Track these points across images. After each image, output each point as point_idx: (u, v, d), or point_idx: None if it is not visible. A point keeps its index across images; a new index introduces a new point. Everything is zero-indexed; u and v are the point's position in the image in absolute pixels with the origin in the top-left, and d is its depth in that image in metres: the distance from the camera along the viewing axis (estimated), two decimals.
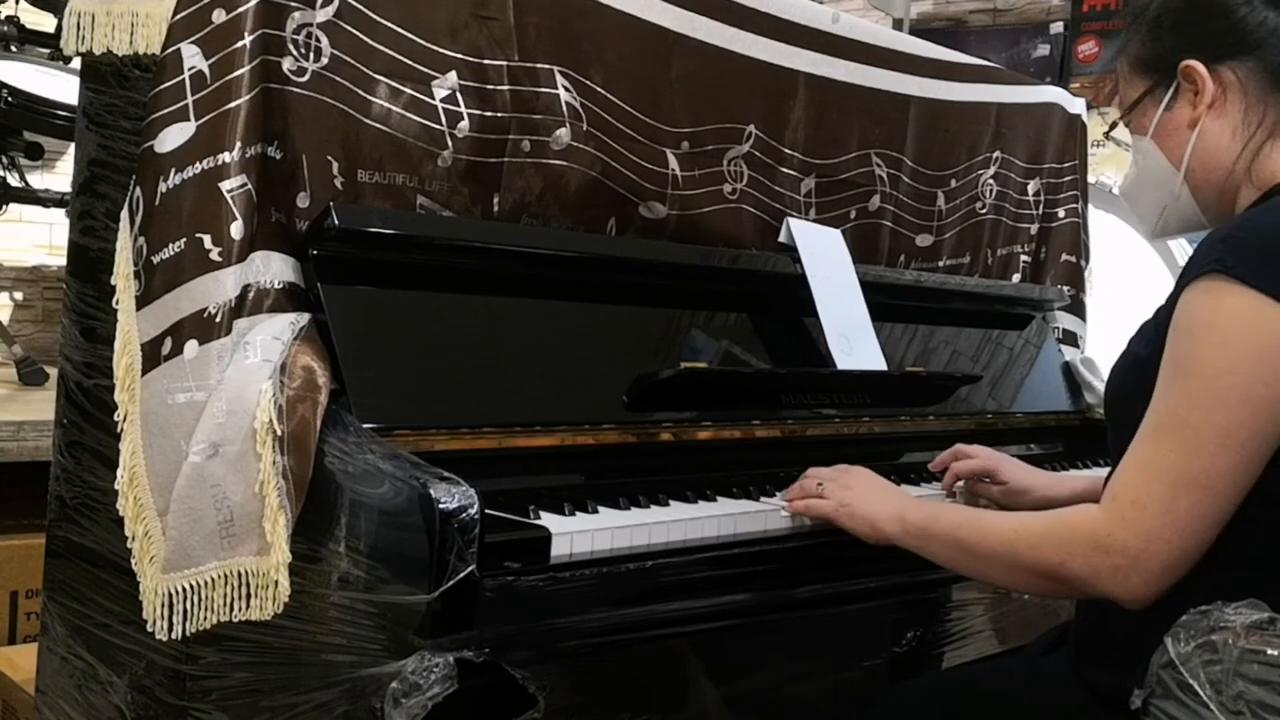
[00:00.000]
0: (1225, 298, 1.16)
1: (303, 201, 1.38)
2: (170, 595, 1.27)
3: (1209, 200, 1.36)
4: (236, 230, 1.30)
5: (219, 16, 1.31)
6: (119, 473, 1.31)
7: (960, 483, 1.71)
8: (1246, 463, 1.15)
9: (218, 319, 1.28)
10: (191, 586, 1.27)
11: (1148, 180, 1.41)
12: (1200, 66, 1.32)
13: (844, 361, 1.77)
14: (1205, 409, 1.15)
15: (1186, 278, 1.21)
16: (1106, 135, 1.51)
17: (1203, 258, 1.20)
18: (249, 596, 1.25)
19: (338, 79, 1.40)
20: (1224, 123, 1.32)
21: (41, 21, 3.34)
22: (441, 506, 1.14)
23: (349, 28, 1.40)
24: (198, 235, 1.29)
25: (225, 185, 1.30)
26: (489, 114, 1.53)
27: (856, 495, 1.43)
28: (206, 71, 1.31)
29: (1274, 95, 1.31)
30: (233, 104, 1.31)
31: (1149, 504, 1.16)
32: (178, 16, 1.32)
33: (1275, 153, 1.31)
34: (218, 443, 1.25)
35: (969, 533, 1.30)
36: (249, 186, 1.31)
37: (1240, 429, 1.14)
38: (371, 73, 1.43)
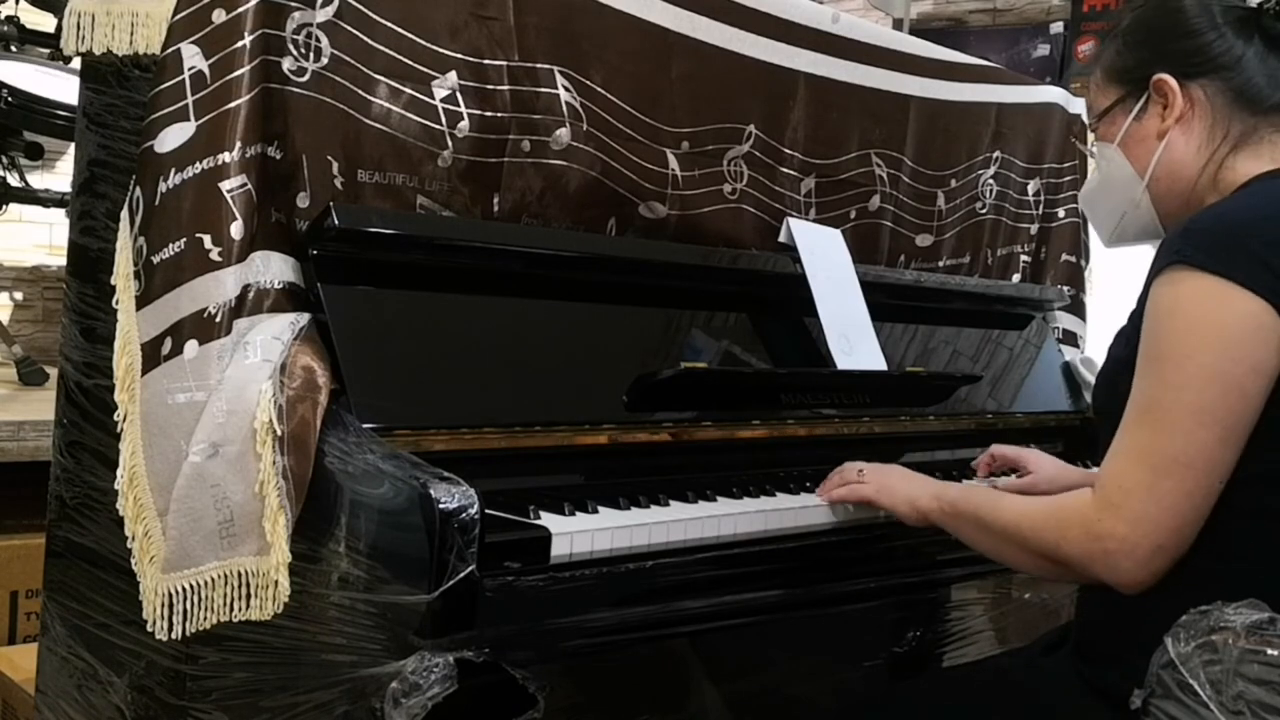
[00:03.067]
0: (1186, 284, 1.19)
1: (303, 201, 1.38)
2: (170, 595, 1.27)
3: (1171, 209, 1.40)
4: (236, 230, 1.30)
5: (219, 16, 1.31)
6: (119, 473, 1.32)
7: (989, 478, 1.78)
8: (1223, 440, 1.17)
9: (218, 319, 1.28)
10: (191, 586, 1.27)
11: (1110, 187, 1.45)
12: (1172, 81, 1.36)
13: (844, 361, 1.78)
14: (1176, 390, 1.18)
15: (1151, 274, 1.25)
16: (1080, 142, 1.54)
17: (1164, 253, 1.24)
18: (249, 596, 1.25)
19: (338, 79, 1.40)
20: (1190, 136, 1.36)
21: (41, 21, 3.34)
22: (441, 506, 1.14)
23: (349, 28, 1.40)
24: (198, 235, 1.29)
25: (225, 185, 1.30)
26: (489, 114, 1.53)
27: (895, 480, 1.50)
28: (206, 71, 1.31)
29: (1238, 112, 1.34)
30: (233, 104, 1.31)
31: (1133, 488, 1.19)
32: (178, 16, 1.32)
33: (1238, 163, 1.34)
34: (218, 443, 1.25)
35: (987, 512, 1.34)
36: (249, 186, 1.31)
37: (1213, 406, 1.17)
38: (371, 73, 1.43)
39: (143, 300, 1.31)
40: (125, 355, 1.33)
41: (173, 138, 1.31)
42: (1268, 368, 1.17)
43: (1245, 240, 1.19)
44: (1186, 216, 1.35)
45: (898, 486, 1.48)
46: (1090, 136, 1.48)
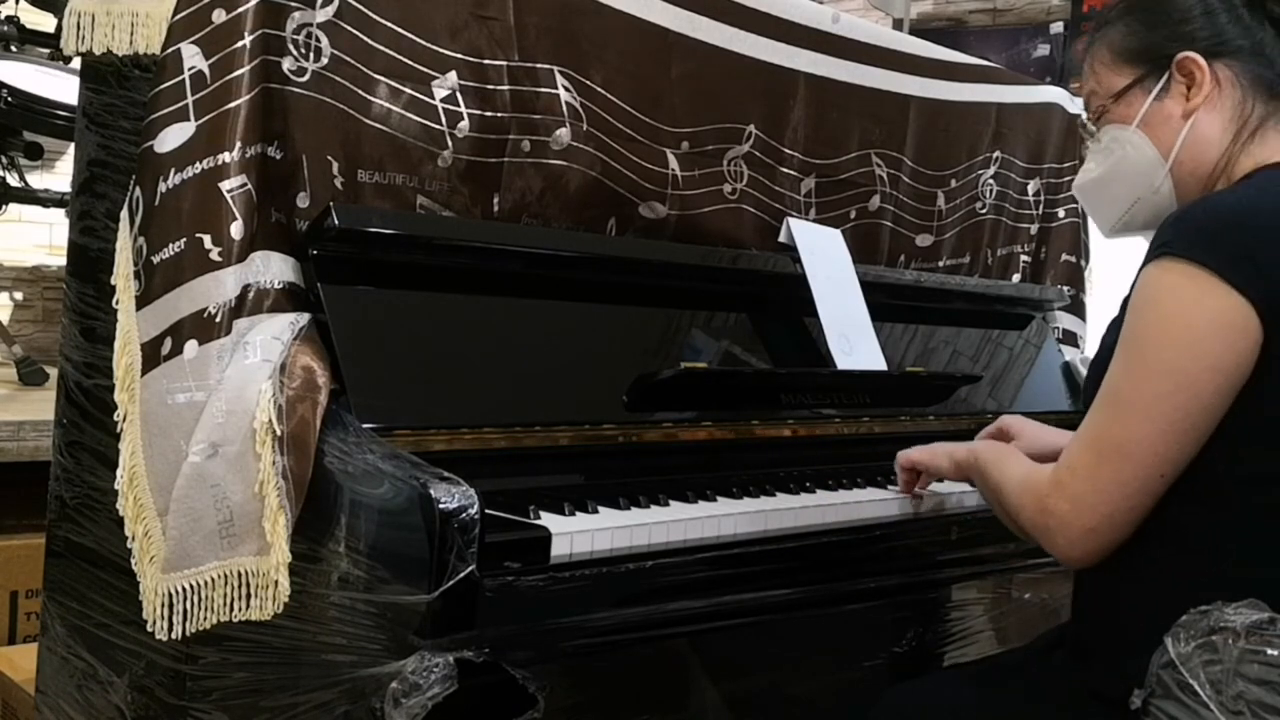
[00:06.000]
0: (1168, 276, 1.20)
1: (303, 201, 1.38)
2: (170, 595, 1.27)
3: (1191, 193, 1.37)
4: (236, 230, 1.30)
5: (219, 16, 1.31)
6: (119, 473, 1.32)
7: None
8: (1169, 435, 1.18)
9: (218, 319, 1.28)
10: (191, 586, 1.27)
11: (1125, 171, 1.41)
12: (1200, 59, 1.34)
13: (844, 361, 1.77)
14: (1135, 381, 1.20)
15: (1144, 263, 1.25)
16: (1083, 123, 1.52)
17: (1156, 242, 1.24)
18: (249, 596, 1.25)
19: (338, 79, 1.40)
20: (1216, 116, 1.34)
21: (41, 21, 3.34)
22: (441, 506, 1.14)
23: (349, 28, 1.40)
24: (198, 235, 1.29)
25: (225, 185, 1.30)
26: (489, 114, 1.53)
27: (936, 444, 1.58)
28: (206, 71, 1.31)
29: (1258, 95, 1.34)
30: (233, 104, 1.31)
31: (1077, 469, 1.22)
32: (178, 16, 1.32)
33: (1252, 149, 1.33)
34: (217, 443, 1.25)
35: (992, 469, 1.39)
36: (249, 186, 1.31)
37: (1163, 401, 1.18)
38: (371, 73, 1.43)
39: (143, 300, 1.31)
40: (125, 355, 1.33)
41: (173, 138, 1.31)
42: (1228, 366, 1.17)
43: (1234, 231, 1.19)
44: None
45: (940, 445, 1.56)
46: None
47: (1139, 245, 1.29)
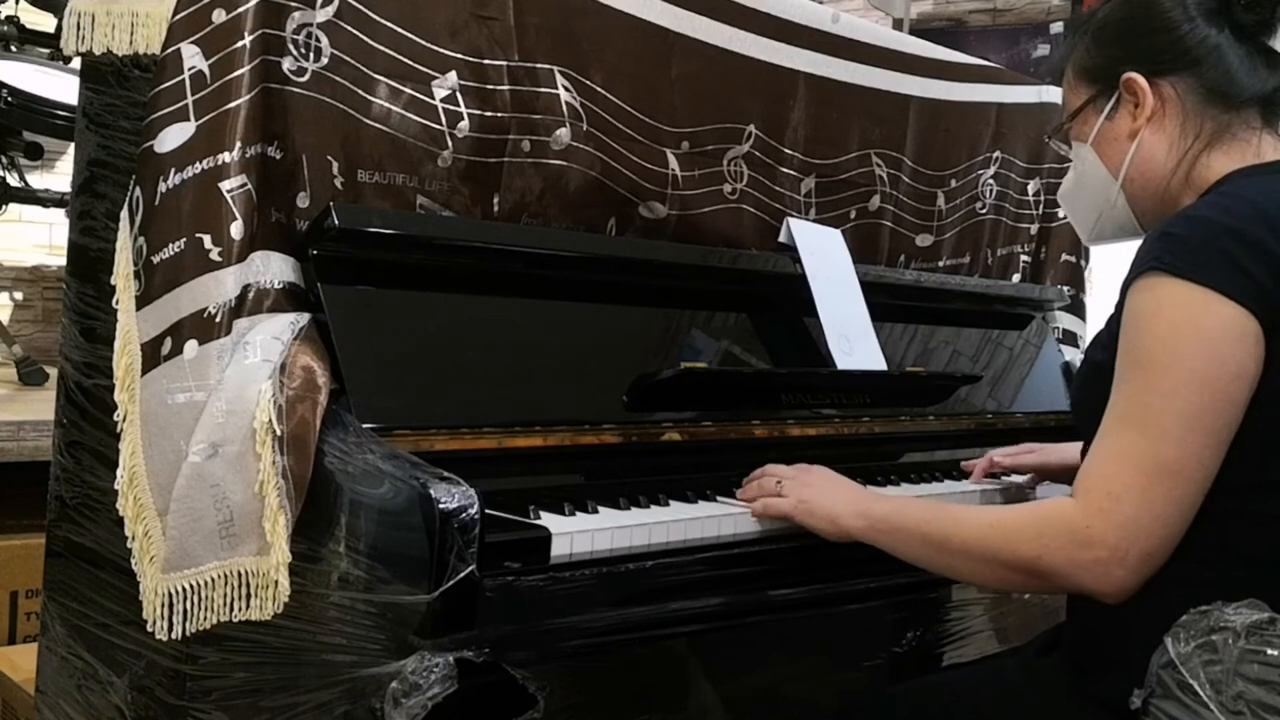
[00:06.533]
0: (1165, 290, 1.18)
1: (303, 201, 1.38)
2: (170, 595, 1.27)
3: (1147, 208, 1.38)
4: (236, 230, 1.30)
5: (219, 16, 1.31)
6: (119, 473, 1.31)
7: (996, 476, 1.79)
8: (1213, 446, 1.17)
9: (218, 319, 1.28)
10: (191, 586, 1.27)
11: (1086, 186, 1.44)
12: (1141, 80, 1.34)
13: (844, 361, 1.77)
14: (1167, 396, 1.16)
15: (1129, 278, 1.24)
16: (1048, 139, 1.54)
17: (1142, 258, 1.23)
18: (249, 596, 1.25)
19: (338, 79, 1.40)
20: (1161, 135, 1.35)
21: (41, 21, 3.34)
22: (441, 506, 1.14)
23: (349, 28, 1.40)
24: (198, 235, 1.29)
25: (225, 185, 1.30)
26: (489, 114, 1.53)
27: (816, 491, 1.41)
28: (206, 71, 1.31)
29: (1211, 109, 1.33)
30: (233, 104, 1.31)
31: (1124, 494, 1.16)
32: (178, 16, 1.32)
33: (1212, 160, 1.33)
34: (217, 443, 1.25)
35: (939, 526, 1.29)
36: (249, 186, 1.31)
37: (1204, 413, 1.16)
38: (371, 73, 1.43)
39: (143, 300, 1.31)
40: (125, 355, 1.33)
41: (173, 138, 1.31)
42: (1249, 372, 1.16)
43: (1220, 245, 1.18)
44: (1163, 214, 1.34)
45: (817, 502, 1.39)
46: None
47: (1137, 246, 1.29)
